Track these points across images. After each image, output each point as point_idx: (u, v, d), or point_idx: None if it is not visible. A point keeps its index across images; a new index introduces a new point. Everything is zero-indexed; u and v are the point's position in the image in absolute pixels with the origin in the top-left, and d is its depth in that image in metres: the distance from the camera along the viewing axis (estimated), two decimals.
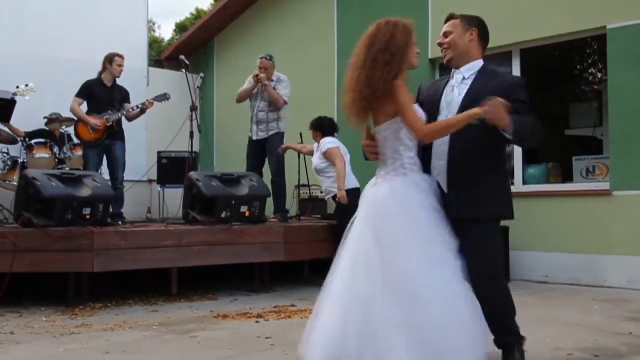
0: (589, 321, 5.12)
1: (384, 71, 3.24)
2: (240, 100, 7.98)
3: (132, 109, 7.75)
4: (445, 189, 3.42)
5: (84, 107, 7.66)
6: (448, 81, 3.60)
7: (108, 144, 7.63)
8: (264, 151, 7.84)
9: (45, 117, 8.39)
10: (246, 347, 4.34)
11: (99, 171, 7.56)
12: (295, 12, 10.45)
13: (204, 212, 6.84)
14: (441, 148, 3.44)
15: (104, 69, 7.69)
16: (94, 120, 7.54)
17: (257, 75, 7.70)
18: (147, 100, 7.84)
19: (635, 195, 6.90)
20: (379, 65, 3.25)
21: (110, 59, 7.67)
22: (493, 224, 3.53)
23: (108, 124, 7.57)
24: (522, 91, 3.48)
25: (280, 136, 7.81)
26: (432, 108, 3.50)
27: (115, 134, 7.67)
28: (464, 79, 3.52)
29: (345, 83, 3.39)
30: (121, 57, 7.69)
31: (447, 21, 3.60)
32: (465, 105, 3.39)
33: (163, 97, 8.02)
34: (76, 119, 7.66)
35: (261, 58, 7.82)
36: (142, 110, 7.82)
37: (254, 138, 7.84)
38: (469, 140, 3.37)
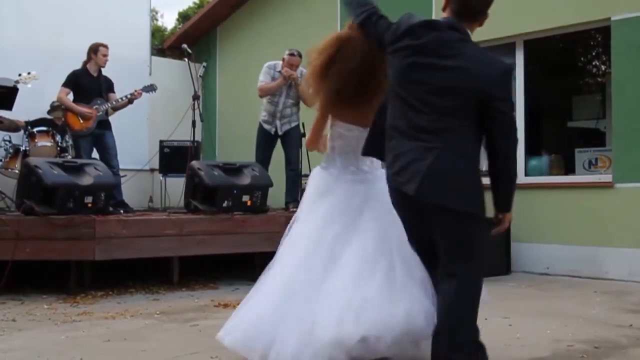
0: (589, 313, 5.13)
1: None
2: (266, 95, 7.78)
3: (121, 99, 7.79)
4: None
5: (70, 97, 7.71)
6: None
7: (98, 133, 7.69)
8: (276, 143, 7.92)
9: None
10: None
11: None
12: (297, 0, 10.41)
13: (205, 202, 6.84)
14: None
15: (89, 59, 7.74)
16: (84, 109, 7.57)
17: (290, 75, 7.59)
18: (136, 91, 7.88)
19: (637, 188, 6.88)
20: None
21: (94, 49, 7.70)
22: None
23: (98, 113, 7.61)
24: None
25: (299, 127, 7.87)
26: None
27: (104, 122, 7.75)
28: None
29: None
30: (105, 46, 7.73)
31: None
32: None
33: (150, 88, 8.08)
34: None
35: (291, 55, 7.64)
36: (130, 101, 7.87)
37: (279, 133, 7.80)
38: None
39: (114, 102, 7.76)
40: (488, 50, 3.53)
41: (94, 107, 7.63)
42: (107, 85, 7.85)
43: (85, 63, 7.76)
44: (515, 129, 2.96)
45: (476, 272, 3.06)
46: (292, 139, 7.81)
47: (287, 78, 7.60)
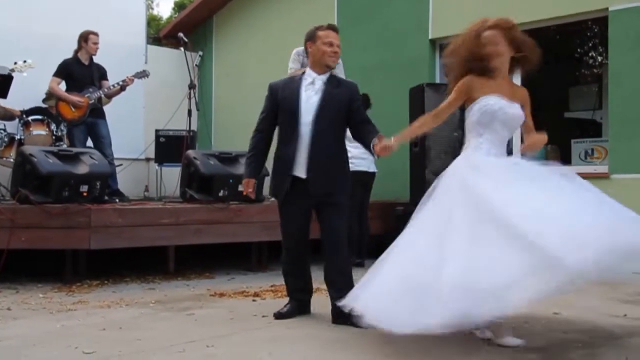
0: (585, 303, 5.13)
1: None
2: None
3: (113, 86, 7.76)
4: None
5: (62, 87, 7.68)
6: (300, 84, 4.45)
7: (91, 122, 7.68)
8: None
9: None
10: (243, 324, 4.34)
11: None
12: None
13: (201, 191, 6.83)
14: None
15: (80, 47, 7.71)
16: (75, 97, 7.55)
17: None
18: (127, 77, 7.84)
19: (633, 179, 6.89)
20: None
21: (85, 37, 7.68)
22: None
23: (90, 101, 7.59)
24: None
25: None
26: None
27: (97, 111, 7.72)
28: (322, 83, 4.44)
29: None
30: (96, 34, 7.71)
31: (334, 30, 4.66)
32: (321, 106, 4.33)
33: (142, 74, 8.03)
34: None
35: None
36: (122, 88, 7.83)
37: None
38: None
39: (105, 90, 7.73)
40: None
41: (86, 96, 7.60)
42: (99, 73, 7.81)
43: (76, 52, 7.73)
44: None
45: None
46: None
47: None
